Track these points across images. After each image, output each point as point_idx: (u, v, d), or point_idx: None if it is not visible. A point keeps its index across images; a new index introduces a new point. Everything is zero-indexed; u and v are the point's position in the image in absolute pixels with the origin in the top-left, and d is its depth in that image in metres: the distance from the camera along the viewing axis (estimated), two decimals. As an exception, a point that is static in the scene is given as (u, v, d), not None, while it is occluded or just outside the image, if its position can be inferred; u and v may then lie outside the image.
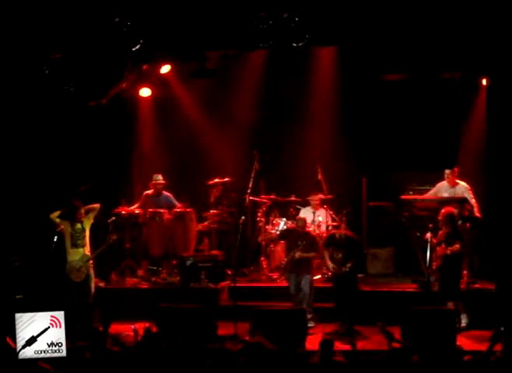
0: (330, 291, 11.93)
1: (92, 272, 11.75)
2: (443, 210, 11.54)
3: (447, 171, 12.57)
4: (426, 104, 10.57)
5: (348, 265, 11.59)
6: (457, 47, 11.29)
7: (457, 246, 11.24)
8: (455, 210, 11.63)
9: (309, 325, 11.14)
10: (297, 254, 11.70)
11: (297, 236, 11.88)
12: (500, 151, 11.62)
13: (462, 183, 12.64)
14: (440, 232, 11.44)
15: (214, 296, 12.41)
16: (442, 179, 12.81)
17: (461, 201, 12.32)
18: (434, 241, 11.34)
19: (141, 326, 9.20)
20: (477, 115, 13.17)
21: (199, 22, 11.84)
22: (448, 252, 11.21)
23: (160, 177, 13.62)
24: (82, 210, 11.73)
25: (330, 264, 11.78)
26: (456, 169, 12.49)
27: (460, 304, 11.31)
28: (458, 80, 11.16)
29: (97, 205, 11.96)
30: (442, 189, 12.77)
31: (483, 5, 10.98)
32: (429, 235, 11.39)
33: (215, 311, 11.11)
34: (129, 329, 9.58)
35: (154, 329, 9.50)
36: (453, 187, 12.67)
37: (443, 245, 11.29)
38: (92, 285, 11.80)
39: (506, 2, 10.93)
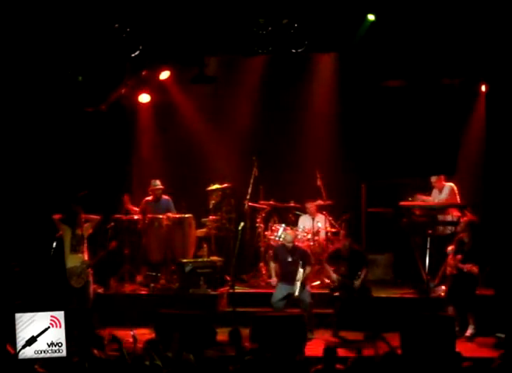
0: (329, 297, 11.88)
1: (90, 278, 11.74)
2: (465, 218, 11.51)
3: (433, 179, 12.59)
4: (425, 110, 10.61)
5: (359, 279, 11.57)
6: (456, 53, 11.31)
7: (474, 270, 11.09)
8: (476, 220, 11.57)
9: (309, 336, 11.04)
10: (299, 282, 11.54)
11: (287, 252, 11.84)
12: (499, 157, 11.64)
13: (447, 184, 12.60)
14: (457, 238, 11.40)
15: (213, 302, 12.39)
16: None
17: (461, 207, 12.32)
18: (454, 250, 11.29)
19: (140, 332, 9.20)
20: (476, 121, 13.18)
21: (198, 28, 11.87)
22: (465, 269, 11.12)
23: (158, 182, 13.60)
24: (82, 216, 11.73)
25: (334, 276, 11.74)
26: (442, 176, 12.50)
27: (470, 314, 11.22)
28: (458, 86, 11.19)
29: (97, 217, 11.96)
30: (434, 196, 12.77)
31: (483, 13, 11.01)
32: (450, 248, 11.36)
33: (214, 318, 11.09)
34: (128, 335, 9.56)
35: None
36: (440, 192, 12.67)
37: (460, 256, 11.22)
38: (91, 291, 11.79)
39: (505, 10, 10.96)
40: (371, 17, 11.34)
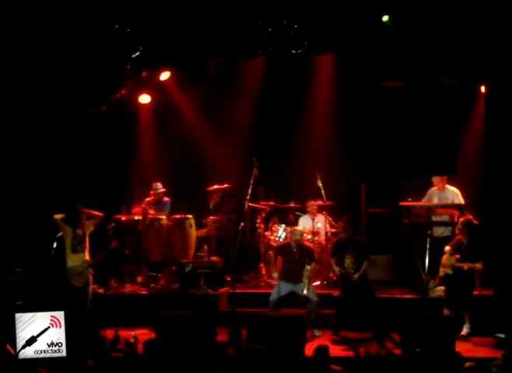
0: (331, 297, 11.96)
1: (91, 278, 11.76)
2: (461, 218, 11.55)
3: (436, 178, 12.62)
4: (424, 111, 10.59)
5: (358, 272, 11.68)
6: (456, 54, 11.33)
7: (478, 266, 11.23)
8: (474, 220, 11.59)
9: (316, 334, 11.31)
10: (307, 280, 11.56)
11: (293, 249, 11.84)
12: (498, 158, 11.64)
13: (451, 188, 12.65)
14: (456, 238, 11.45)
15: (213, 302, 12.39)
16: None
17: (461, 208, 12.35)
18: (451, 250, 11.33)
19: (140, 332, 9.21)
20: (476, 122, 13.20)
21: (199, 29, 11.88)
22: (465, 267, 11.19)
23: (160, 186, 13.62)
24: (84, 216, 11.75)
25: (336, 269, 11.84)
26: (445, 176, 12.53)
27: (466, 313, 11.28)
28: (457, 87, 11.19)
29: (101, 214, 11.98)
30: (433, 195, 12.79)
31: (482, 14, 11.02)
32: (448, 248, 11.39)
33: (214, 318, 11.10)
34: (129, 336, 9.58)
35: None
36: (442, 191, 12.69)
37: (458, 256, 11.27)
38: (90, 291, 11.81)
39: (505, 11, 10.97)
40: (385, 18, 11.39)
